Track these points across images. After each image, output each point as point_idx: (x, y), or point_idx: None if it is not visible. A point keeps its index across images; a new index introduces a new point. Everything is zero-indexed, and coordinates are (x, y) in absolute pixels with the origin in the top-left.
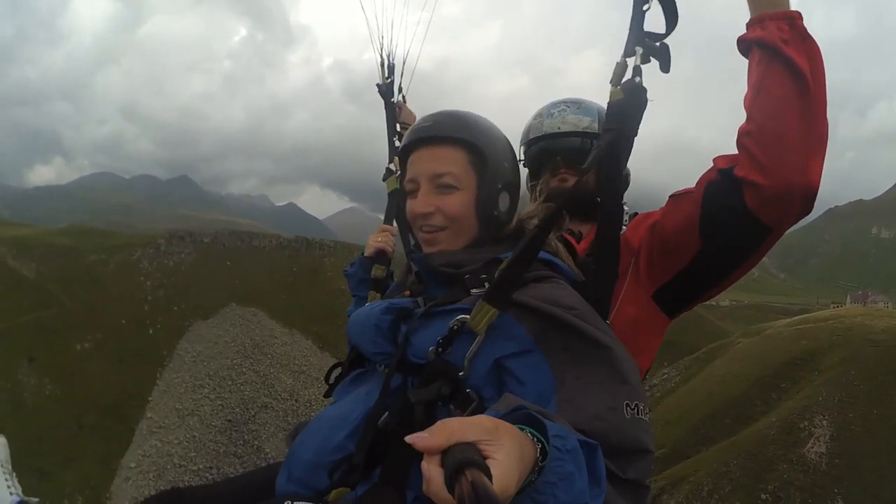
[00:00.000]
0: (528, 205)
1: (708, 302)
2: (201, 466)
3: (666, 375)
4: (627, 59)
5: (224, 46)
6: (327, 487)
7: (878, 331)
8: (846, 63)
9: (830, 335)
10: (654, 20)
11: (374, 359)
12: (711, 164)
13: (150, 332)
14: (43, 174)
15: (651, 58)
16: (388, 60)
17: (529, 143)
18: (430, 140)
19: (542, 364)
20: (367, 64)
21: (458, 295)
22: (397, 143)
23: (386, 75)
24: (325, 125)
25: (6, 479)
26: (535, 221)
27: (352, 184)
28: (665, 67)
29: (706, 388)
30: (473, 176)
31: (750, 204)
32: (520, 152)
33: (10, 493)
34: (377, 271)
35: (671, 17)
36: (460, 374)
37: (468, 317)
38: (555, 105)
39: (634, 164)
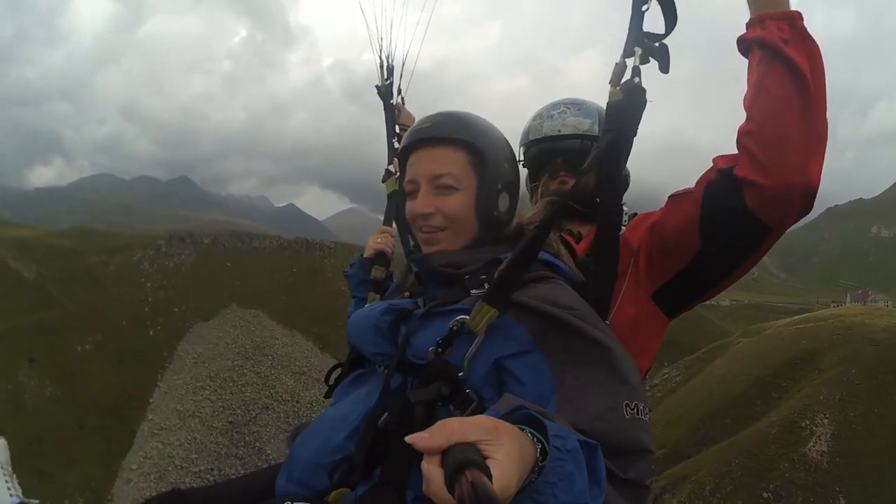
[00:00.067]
0: (528, 206)
1: (708, 302)
2: (203, 468)
3: (666, 375)
4: (626, 60)
5: (224, 46)
6: (327, 488)
7: (878, 330)
8: (846, 63)
9: (831, 334)
10: (654, 20)
11: (373, 359)
12: (711, 165)
13: (151, 333)
14: (43, 175)
15: (650, 58)
16: (388, 62)
17: (529, 144)
18: (429, 141)
19: (542, 364)
20: (367, 64)
21: (458, 295)
22: (396, 145)
23: (385, 77)
24: (325, 125)
25: (6, 481)
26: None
27: (352, 184)
28: (664, 68)
29: (707, 387)
30: (473, 176)
31: (750, 203)
32: (519, 153)
33: (11, 495)
34: (377, 272)
35: (670, 18)
36: (460, 374)
37: (468, 317)
38: (555, 106)
39: (634, 164)
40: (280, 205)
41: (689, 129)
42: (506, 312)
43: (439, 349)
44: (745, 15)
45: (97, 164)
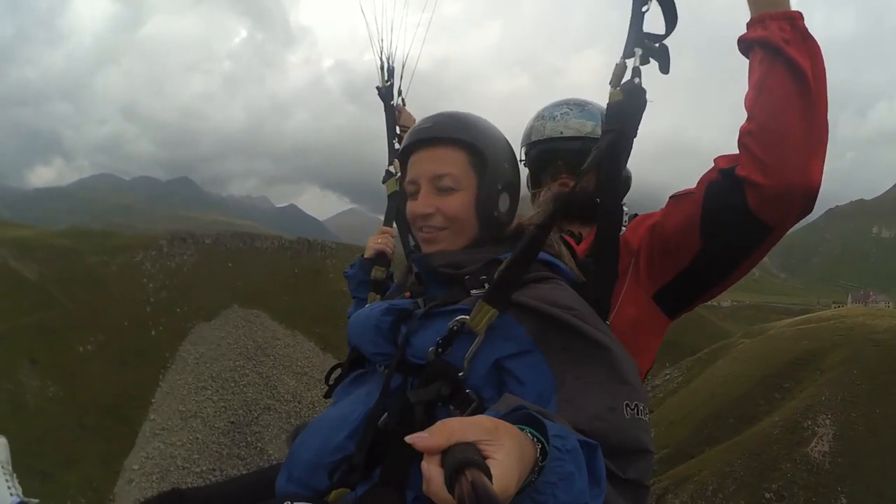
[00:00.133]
0: (529, 207)
1: (709, 302)
2: (204, 468)
3: (668, 376)
4: (627, 61)
5: (224, 47)
6: (327, 488)
7: (879, 330)
8: (846, 63)
9: (832, 335)
10: (654, 21)
11: (374, 359)
12: (712, 165)
13: (153, 333)
14: (43, 175)
15: (650, 59)
16: (388, 63)
17: (531, 145)
18: (430, 141)
19: (542, 364)
20: (367, 65)
21: (458, 295)
22: (397, 146)
23: (385, 78)
24: (326, 125)
25: (7, 480)
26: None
27: (352, 185)
28: (664, 68)
29: (709, 388)
30: (473, 177)
31: (751, 203)
32: (521, 153)
33: (11, 494)
34: (377, 273)
35: (670, 18)
36: (460, 374)
37: (468, 317)
38: (558, 107)
39: (634, 164)
40: (280, 205)
41: (690, 129)
42: (506, 312)
43: (439, 349)
44: (745, 15)
45: (97, 165)
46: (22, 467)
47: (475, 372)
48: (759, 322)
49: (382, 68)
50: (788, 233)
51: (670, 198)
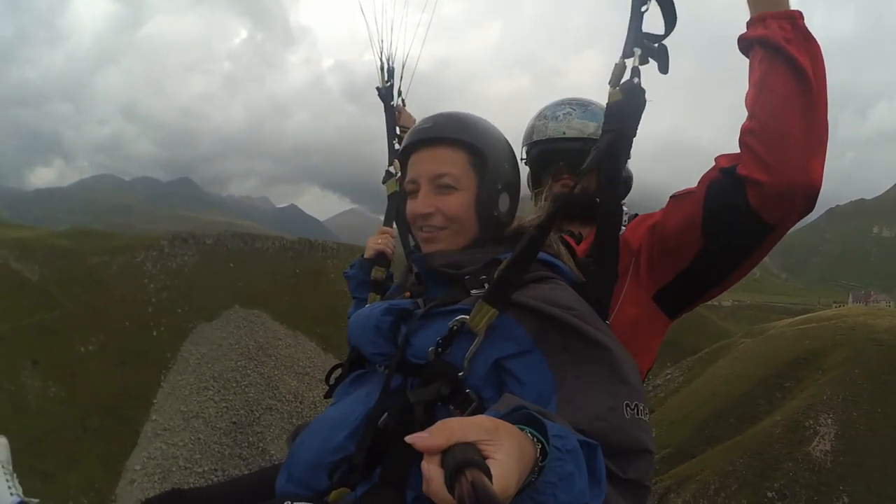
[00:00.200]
0: (530, 206)
1: (710, 302)
2: (206, 469)
3: (669, 376)
4: (626, 61)
5: (224, 47)
6: (327, 488)
7: (880, 330)
8: (846, 63)
9: (833, 335)
10: (654, 21)
11: (374, 360)
12: (713, 164)
13: (154, 334)
14: (43, 176)
15: (649, 59)
16: (388, 64)
17: (532, 144)
18: (430, 141)
19: (542, 364)
20: (368, 65)
21: (458, 295)
22: (397, 146)
23: (385, 79)
24: (326, 125)
25: (7, 480)
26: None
27: (352, 185)
28: (663, 68)
29: (710, 388)
30: (473, 176)
31: (753, 202)
32: (522, 152)
33: (11, 494)
34: (377, 273)
35: (670, 18)
36: (460, 374)
37: (468, 317)
38: (560, 106)
39: (634, 164)
40: (281, 205)
41: (690, 129)
42: (506, 312)
43: (439, 349)
44: (744, 15)
45: (97, 165)
46: (23, 468)
47: (475, 372)
48: (759, 322)
49: (382, 69)
50: (789, 233)
51: (670, 197)
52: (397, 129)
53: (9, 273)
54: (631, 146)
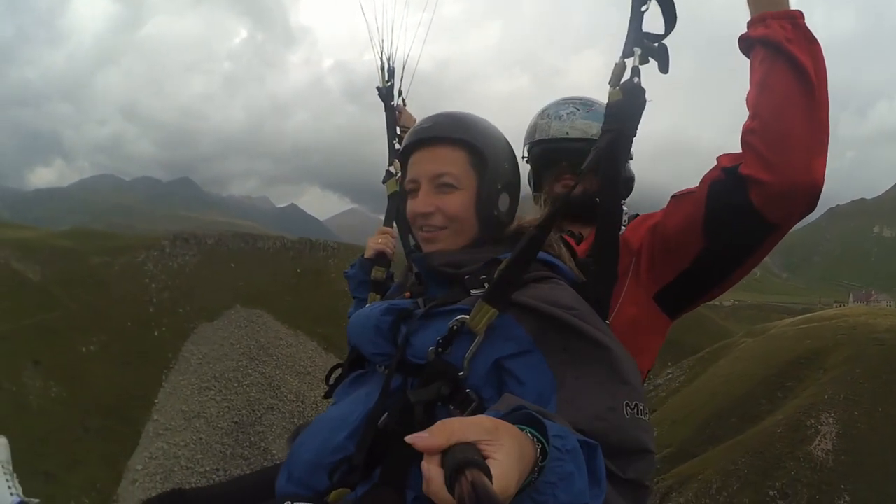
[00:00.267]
0: (530, 206)
1: (710, 302)
2: (208, 468)
3: (670, 375)
4: (626, 60)
5: (224, 47)
6: (327, 488)
7: (881, 330)
8: (846, 62)
9: (834, 334)
10: (654, 21)
11: (374, 360)
12: (714, 164)
13: (156, 334)
14: (44, 176)
15: (650, 58)
16: (388, 64)
17: (535, 143)
18: (430, 141)
19: (542, 364)
20: (368, 65)
21: (458, 295)
22: (397, 146)
23: (386, 79)
24: (326, 125)
25: (7, 480)
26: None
27: (352, 185)
28: (664, 68)
29: (711, 387)
30: (473, 176)
31: (755, 201)
32: (523, 150)
33: (11, 494)
34: (377, 273)
35: (670, 18)
36: (460, 374)
37: (468, 317)
38: (564, 105)
39: (634, 164)
40: (281, 205)
41: (690, 128)
42: (506, 312)
43: (439, 349)
44: (744, 15)
45: (97, 165)
46: (25, 468)
47: (475, 372)
48: (760, 321)
49: (383, 69)
50: (789, 232)
51: (671, 197)
52: (397, 129)
53: (10, 273)
54: (631, 146)
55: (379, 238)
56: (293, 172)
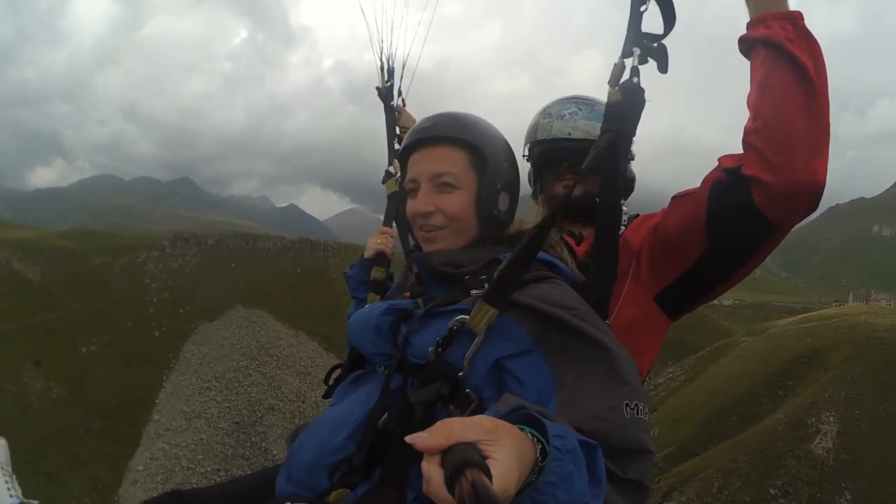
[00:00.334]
0: (530, 206)
1: (710, 301)
2: (209, 469)
3: (671, 374)
4: (625, 60)
5: (224, 47)
6: (327, 488)
7: (882, 329)
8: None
9: (835, 333)
10: (653, 21)
11: (373, 360)
12: (716, 164)
13: (156, 334)
14: (44, 176)
15: (649, 58)
16: (388, 64)
17: (536, 143)
18: (430, 141)
19: (542, 364)
20: (368, 65)
21: (458, 295)
22: (397, 146)
23: (386, 79)
24: (326, 125)
25: (6, 481)
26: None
27: (352, 185)
28: (663, 68)
29: (712, 386)
30: (473, 176)
31: (758, 202)
32: (524, 149)
33: (11, 495)
34: (377, 273)
35: (669, 18)
36: (460, 374)
37: (468, 317)
38: (566, 104)
39: (635, 164)
40: (281, 205)
41: (690, 129)
42: (506, 312)
43: (439, 349)
44: (744, 15)
45: (98, 165)
46: (26, 468)
47: (475, 372)
48: (760, 321)
49: (382, 69)
50: (790, 232)
51: (672, 198)
52: (397, 129)
53: (11, 273)
54: (631, 146)
55: (378, 238)
56: (293, 172)
